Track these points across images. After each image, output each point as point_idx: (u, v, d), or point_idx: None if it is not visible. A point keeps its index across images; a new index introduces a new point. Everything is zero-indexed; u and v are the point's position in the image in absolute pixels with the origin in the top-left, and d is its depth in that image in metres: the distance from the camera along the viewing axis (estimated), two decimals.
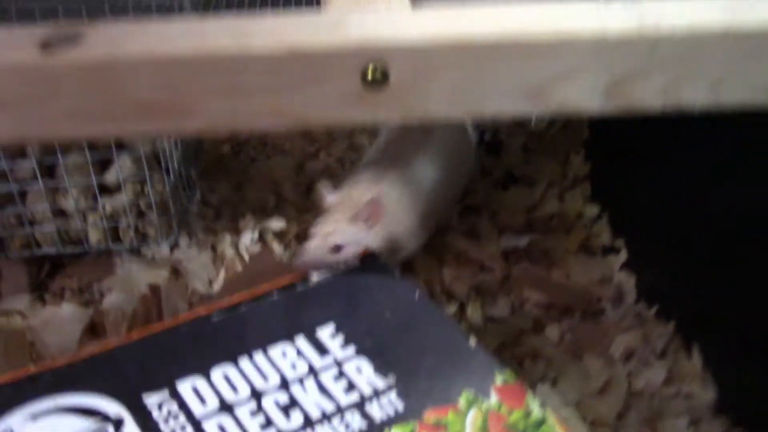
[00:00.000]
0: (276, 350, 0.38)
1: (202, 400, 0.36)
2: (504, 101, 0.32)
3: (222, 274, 0.55)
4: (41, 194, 0.49)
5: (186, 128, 0.32)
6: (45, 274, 0.54)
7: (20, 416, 0.35)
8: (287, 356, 0.38)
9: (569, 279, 0.57)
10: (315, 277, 0.43)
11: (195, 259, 0.55)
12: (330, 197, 0.49)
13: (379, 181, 0.52)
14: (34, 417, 0.36)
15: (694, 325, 0.52)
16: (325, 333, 0.39)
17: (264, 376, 0.37)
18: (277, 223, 0.60)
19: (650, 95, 0.32)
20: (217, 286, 0.54)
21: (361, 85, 0.31)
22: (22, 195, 0.50)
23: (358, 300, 0.42)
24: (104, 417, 0.36)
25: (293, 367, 0.37)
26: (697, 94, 0.32)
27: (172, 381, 0.37)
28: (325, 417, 0.36)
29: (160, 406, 0.36)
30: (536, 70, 0.31)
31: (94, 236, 0.51)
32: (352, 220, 0.47)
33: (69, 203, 0.49)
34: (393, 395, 0.37)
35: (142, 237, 0.53)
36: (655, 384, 0.50)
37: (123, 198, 0.50)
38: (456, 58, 0.31)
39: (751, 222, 0.46)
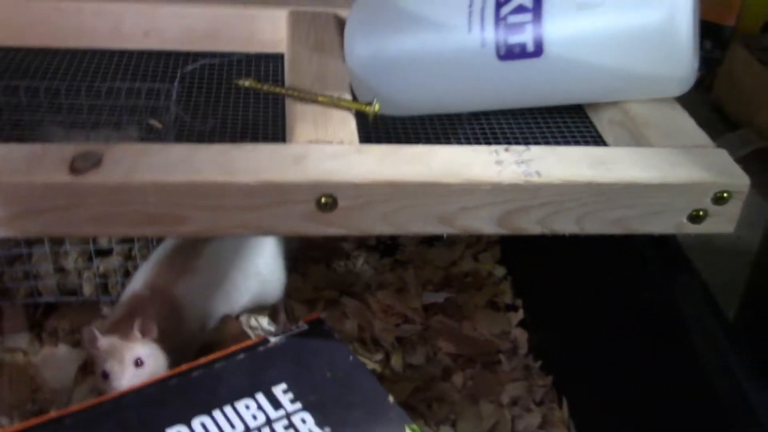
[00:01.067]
0: (241, 404, 0.48)
1: None
2: (423, 224, 0.42)
3: None
4: (47, 255, 0.58)
5: (179, 232, 0.41)
6: (40, 315, 0.63)
7: None
8: (249, 409, 0.47)
9: (476, 331, 0.68)
10: (272, 339, 0.52)
11: None
12: (102, 340, 0.51)
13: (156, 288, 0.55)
14: None
15: (566, 379, 0.63)
16: (279, 390, 0.49)
17: (232, 425, 0.47)
18: None
19: (531, 225, 0.43)
20: None
21: (315, 208, 0.41)
22: (29, 255, 0.59)
23: (305, 360, 0.51)
24: None
25: (254, 418, 0.47)
26: (566, 226, 0.43)
27: (162, 428, 0.46)
28: None
29: None
30: (448, 205, 0.42)
31: (88, 289, 0.61)
32: (133, 339, 0.51)
33: (69, 263, 0.59)
34: None
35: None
36: (532, 427, 0.61)
37: (114, 260, 0.59)
38: (389, 193, 0.41)
39: (609, 304, 0.58)
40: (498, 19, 0.47)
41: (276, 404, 0.48)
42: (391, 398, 0.49)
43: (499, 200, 0.42)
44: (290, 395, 0.49)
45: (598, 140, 0.50)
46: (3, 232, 0.40)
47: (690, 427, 0.46)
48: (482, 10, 0.47)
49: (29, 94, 0.52)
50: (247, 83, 0.48)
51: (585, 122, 0.52)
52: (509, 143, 0.49)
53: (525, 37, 0.46)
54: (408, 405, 0.60)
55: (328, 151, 0.42)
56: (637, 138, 0.47)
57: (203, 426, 0.46)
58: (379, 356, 0.65)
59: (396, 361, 0.65)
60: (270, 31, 0.58)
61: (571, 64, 0.46)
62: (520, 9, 0.46)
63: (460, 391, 0.63)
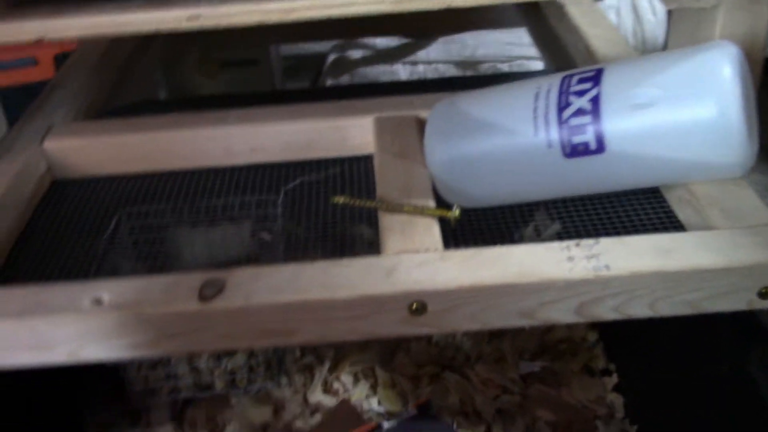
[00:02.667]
0: None
1: None
2: (506, 320, 0.47)
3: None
4: (182, 358, 0.67)
5: (293, 342, 0.48)
6: (180, 409, 0.73)
7: None
8: None
9: (573, 397, 0.71)
10: (386, 425, 0.58)
11: (292, 400, 0.73)
12: None
13: None
14: None
15: None
16: None
17: None
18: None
19: (607, 312, 0.47)
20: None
21: (408, 314, 0.46)
22: (168, 359, 0.68)
23: None
24: None
25: None
26: (640, 311, 0.47)
27: None
28: None
29: None
30: (526, 302, 0.46)
31: (219, 384, 0.69)
32: None
33: (201, 363, 0.67)
34: None
35: (252, 383, 0.70)
36: None
37: (239, 359, 0.68)
38: (472, 296, 0.46)
39: (695, 369, 0.60)
40: (561, 122, 0.51)
41: None
42: None
43: (573, 294, 0.46)
44: None
45: (672, 217, 0.54)
46: (147, 352, 0.47)
47: None
48: (546, 114, 0.52)
49: (158, 216, 0.61)
50: (341, 200, 0.55)
51: (659, 199, 0.56)
52: (585, 228, 0.53)
53: (587, 137, 0.50)
54: None
55: (415, 260, 0.48)
56: (703, 218, 0.50)
57: None
58: (482, 429, 0.69)
59: None
60: (359, 137, 0.65)
61: (632, 158, 0.50)
62: (580, 112, 0.51)
63: None
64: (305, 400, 0.73)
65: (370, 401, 0.72)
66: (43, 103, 0.73)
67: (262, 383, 0.70)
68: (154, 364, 0.68)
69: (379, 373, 0.74)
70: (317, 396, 0.74)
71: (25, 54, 1.17)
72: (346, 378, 0.75)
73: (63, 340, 0.46)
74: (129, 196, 0.63)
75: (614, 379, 0.73)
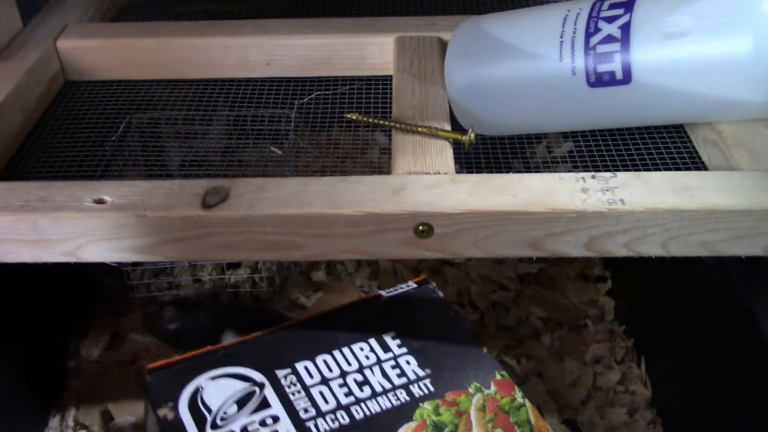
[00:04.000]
0: (356, 346, 0.58)
1: (310, 375, 0.56)
2: (511, 249, 0.46)
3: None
4: (186, 268, 0.66)
5: (294, 257, 0.47)
6: None
7: (204, 378, 0.55)
8: (363, 350, 0.58)
9: (566, 299, 0.72)
10: (385, 294, 0.60)
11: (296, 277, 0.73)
12: None
13: None
14: (213, 378, 0.55)
15: (645, 342, 0.69)
16: (388, 337, 0.58)
17: (348, 363, 0.57)
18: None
19: (616, 248, 0.46)
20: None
21: (413, 234, 0.45)
22: (172, 268, 0.68)
23: (412, 313, 0.61)
24: (254, 382, 0.55)
25: (367, 358, 0.57)
26: (651, 249, 0.46)
27: (293, 362, 0.57)
28: (384, 391, 0.55)
29: (285, 377, 0.55)
30: (535, 231, 0.45)
31: (222, 297, 0.69)
32: None
33: (205, 274, 0.67)
34: (428, 381, 0.55)
35: (256, 299, 0.70)
36: (612, 382, 0.67)
37: (243, 272, 0.67)
38: (479, 222, 0.45)
39: (692, 288, 0.61)
40: (588, 48, 0.49)
41: (385, 348, 0.58)
42: (484, 349, 0.56)
43: (584, 227, 0.45)
44: (398, 341, 0.58)
45: (694, 157, 0.52)
46: (149, 256, 0.47)
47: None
48: (572, 39, 0.50)
49: (169, 124, 0.60)
50: (354, 116, 0.53)
51: (682, 138, 0.54)
52: (603, 162, 0.52)
53: (614, 65, 0.48)
54: (499, 359, 0.67)
55: (425, 182, 0.46)
56: (728, 159, 0.48)
57: (325, 362, 0.57)
58: (476, 316, 0.71)
59: (489, 322, 0.71)
60: (379, 56, 0.63)
61: (660, 91, 0.48)
62: (609, 39, 0.48)
63: (548, 350, 0.69)
64: (309, 278, 0.74)
65: (370, 284, 0.73)
66: (59, 1, 0.71)
67: (264, 299, 0.70)
68: (158, 272, 0.68)
69: (382, 261, 0.75)
70: (320, 276, 0.74)
71: None
72: (349, 263, 0.75)
73: (62, 238, 0.46)
74: (141, 101, 0.62)
75: (608, 284, 0.74)
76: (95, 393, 0.67)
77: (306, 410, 0.54)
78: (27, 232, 0.46)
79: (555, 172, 0.51)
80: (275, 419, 0.53)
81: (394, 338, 0.58)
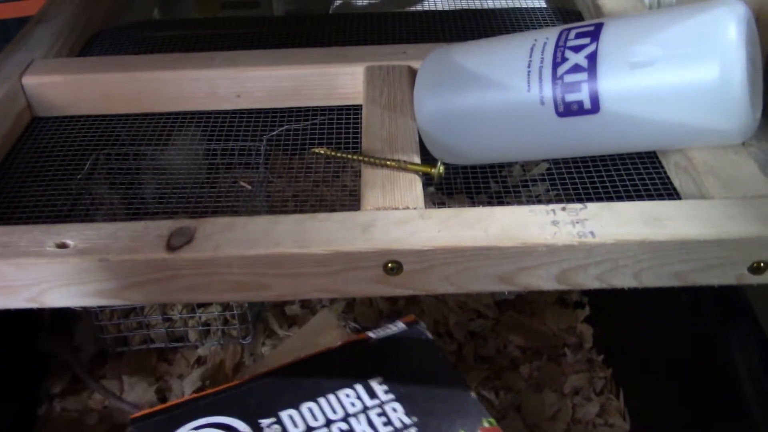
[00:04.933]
0: (342, 393, 0.56)
1: (295, 424, 0.54)
2: (483, 284, 0.45)
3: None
4: (156, 307, 0.65)
5: (264, 297, 0.46)
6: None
7: (187, 428, 0.53)
8: (349, 397, 0.56)
9: (544, 326, 0.72)
10: (373, 336, 0.58)
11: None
12: None
13: None
14: (196, 429, 0.53)
15: (623, 373, 0.68)
16: (375, 382, 0.56)
17: (333, 410, 0.55)
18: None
19: (588, 281, 0.45)
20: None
21: (383, 272, 0.45)
22: (142, 308, 0.67)
23: (400, 356, 0.59)
24: None
25: (353, 405, 0.55)
26: (623, 281, 0.45)
27: (277, 411, 0.55)
28: None
29: (269, 426, 0.53)
30: (506, 266, 0.44)
31: (193, 336, 0.68)
32: None
33: (175, 314, 0.66)
34: (414, 430, 0.53)
35: (229, 337, 0.69)
36: (591, 415, 0.66)
37: (214, 310, 0.66)
38: (450, 258, 0.44)
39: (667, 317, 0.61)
40: (555, 78, 0.49)
41: (372, 394, 0.56)
42: (473, 394, 0.55)
43: (555, 260, 0.44)
44: (385, 387, 0.56)
45: (667, 184, 0.51)
46: (113, 301, 0.46)
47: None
48: (540, 69, 0.49)
49: (138, 159, 0.59)
50: (322, 151, 0.52)
51: (655, 164, 0.53)
52: (575, 191, 0.51)
53: (582, 95, 0.48)
54: (477, 392, 0.66)
55: (394, 218, 0.46)
56: (699, 186, 0.48)
57: (310, 410, 0.55)
58: (453, 347, 0.70)
59: (467, 353, 0.70)
60: (350, 86, 0.62)
61: (628, 120, 0.48)
62: (576, 68, 0.48)
63: (527, 380, 0.69)
64: (283, 312, 0.73)
65: (345, 317, 0.72)
66: (25, 36, 0.70)
67: (236, 336, 0.69)
68: (127, 312, 0.66)
69: None
70: (294, 309, 0.73)
71: None
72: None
73: (25, 284, 0.45)
74: (110, 136, 0.61)
75: (586, 311, 0.74)
76: None
77: None
78: None
79: (529, 196, 0.50)
80: None
81: (381, 383, 0.57)
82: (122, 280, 0.45)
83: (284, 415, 0.54)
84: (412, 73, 0.61)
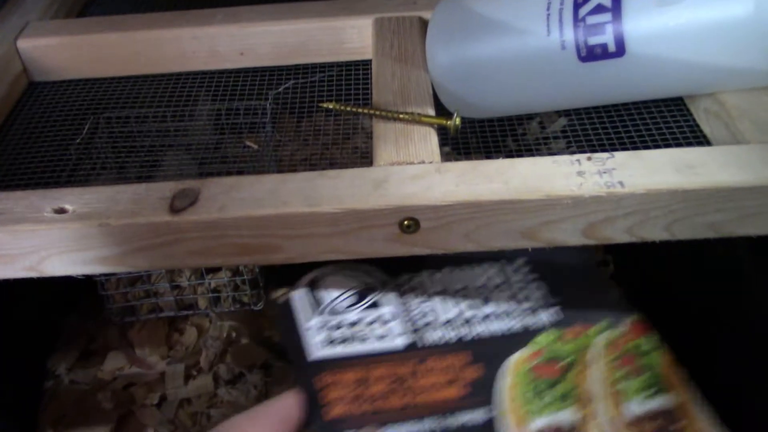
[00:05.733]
0: (486, 264, 0.53)
1: (432, 283, 0.51)
2: (504, 240, 0.43)
3: None
4: (163, 275, 0.63)
5: (273, 260, 0.44)
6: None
7: (324, 269, 0.51)
8: (492, 269, 0.53)
9: None
10: None
11: None
12: None
13: None
14: (333, 271, 0.51)
15: None
16: (520, 261, 0.54)
17: (474, 279, 0.52)
18: None
19: (618, 234, 0.42)
20: None
21: (399, 231, 0.42)
22: (149, 275, 0.64)
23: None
24: (374, 280, 0.51)
25: (494, 278, 0.52)
26: (655, 233, 0.42)
27: (418, 268, 0.52)
28: (506, 314, 0.50)
29: (407, 281, 0.51)
30: (529, 220, 0.42)
31: (203, 303, 0.66)
32: None
33: (183, 281, 0.63)
34: (554, 311, 0.51)
35: (240, 303, 0.66)
36: None
37: (223, 276, 0.64)
38: (469, 213, 0.41)
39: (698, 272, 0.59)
40: (577, 20, 0.46)
41: (516, 271, 0.53)
42: (617, 290, 0.53)
43: (581, 213, 0.41)
44: (529, 267, 0.54)
45: (696, 131, 0.48)
46: (116, 268, 0.44)
47: None
48: (560, 12, 0.46)
49: (139, 122, 0.56)
50: (330, 105, 0.50)
51: (682, 111, 0.50)
52: (599, 141, 0.49)
53: (606, 37, 0.45)
54: None
55: (408, 173, 0.43)
56: (732, 132, 0.45)
57: (451, 273, 0.52)
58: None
59: None
60: (357, 40, 0.60)
61: (656, 62, 0.45)
62: (599, 9, 0.45)
63: None
64: None
65: None
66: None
67: (248, 303, 0.67)
68: (133, 280, 0.64)
69: None
70: None
71: None
72: None
73: (23, 252, 0.43)
74: (110, 99, 0.59)
75: (611, 269, 0.72)
76: (73, 418, 0.64)
77: (421, 317, 0.50)
78: None
79: (549, 152, 0.47)
80: (388, 320, 0.49)
81: (526, 263, 0.54)
82: (124, 246, 0.42)
83: (424, 273, 0.52)
84: (423, 23, 0.58)
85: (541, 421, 0.47)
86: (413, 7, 0.60)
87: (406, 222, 0.42)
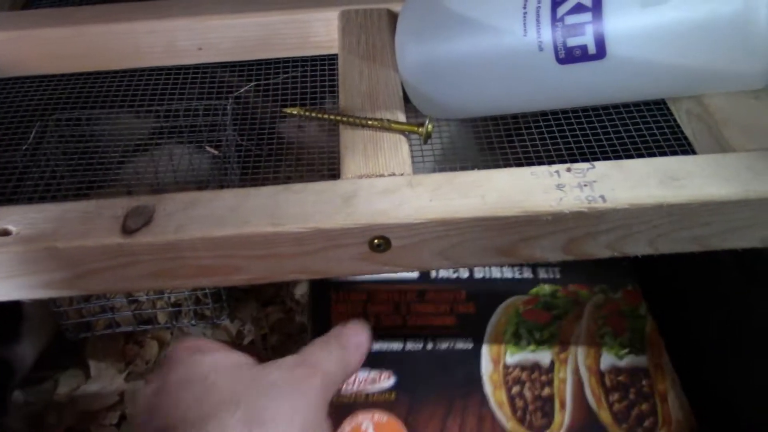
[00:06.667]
0: None
1: None
2: (480, 257, 0.40)
3: None
4: None
5: (234, 282, 0.41)
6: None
7: None
8: None
9: None
10: None
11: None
12: None
13: None
14: None
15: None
16: None
17: None
18: None
19: (599, 249, 0.40)
20: None
21: (369, 249, 0.40)
22: None
23: None
24: None
25: None
26: (637, 248, 0.40)
27: None
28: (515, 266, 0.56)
29: None
30: (507, 237, 0.39)
31: (162, 318, 0.63)
32: None
33: (141, 295, 0.60)
34: (557, 269, 0.56)
35: (201, 317, 0.63)
36: None
37: (184, 290, 0.61)
38: (444, 230, 0.39)
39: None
40: (555, 20, 0.43)
41: None
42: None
43: (561, 228, 0.39)
44: None
45: (677, 134, 0.46)
46: (67, 291, 0.41)
47: None
48: (537, 10, 0.44)
49: (91, 123, 0.53)
50: (294, 111, 0.47)
51: (663, 112, 0.48)
52: (578, 147, 0.46)
53: (585, 38, 0.42)
54: None
55: (378, 187, 0.40)
56: (716, 137, 0.43)
57: None
58: None
59: None
60: (323, 33, 0.56)
61: (638, 65, 0.42)
62: (579, 8, 0.42)
63: None
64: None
65: None
66: None
67: (210, 317, 0.64)
68: (88, 296, 0.61)
69: None
70: None
71: None
72: None
73: None
74: (59, 99, 0.55)
75: None
76: None
77: None
78: None
79: (526, 157, 0.45)
80: None
81: None
82: (74, 269, 0.39)
83: None
84: (392, 16, 0.55)
85: (516, 357, 0.53)
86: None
87: (376, 241, 0.39)
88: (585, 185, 0.39)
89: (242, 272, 0.40)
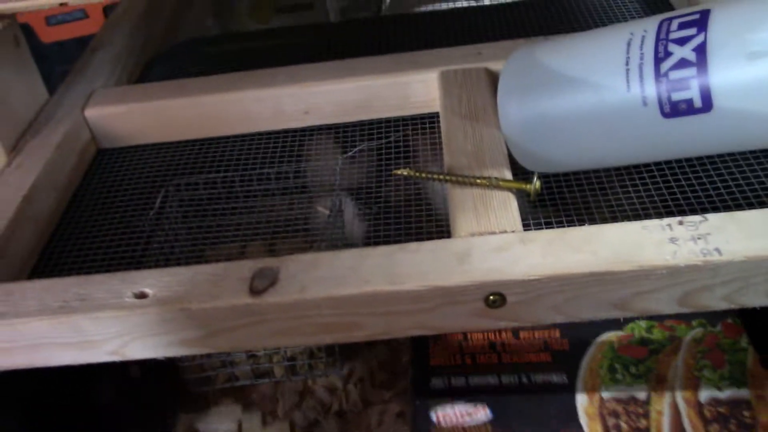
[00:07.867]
0: None
1: None
2: (595, 311, 0.41)
3: None
4: None
5: (354, 338, 0.43)
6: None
7: None
8: None
9: None
10: None
11: None
12: None
13: None
14: None
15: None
16: None
17: None
18: None
19: (715, 302, 0.40)
20: None
21: (484, 305, 0.41)
22: None
23: None
24: None
25: None
26: (755, 300, 0.40)
27: None
28: None
29: None
30: (621, 291, 0.40)
31: (278, 372, 0.65)
32: None
33: (260, 350, 0.63)
34: None
35: (316, 369, 0.66)
36: None
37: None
38: (558, 286, 0.40)
39: None
40: (659, 75, 0.44)
41: None
42: None
43: (676, 282, 0.40)
44: None
45: None
46: (197, 350, 0.43)
47: None
48: (640, 66, 0.44)
49: (208, 187, 0.56)
50: (405, 172, 0.49)
51: None
52: (686, 200, 0.47)
53: (691, 92, 0.43)
54: None
55: (491, 244, 0.42)
56: None
57: None
58: None
59: None
60: (423, 93, 0.59)
61: (745, 115, 0.42)
62: (683, 63, 0.43)
63: None
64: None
65: None
66: (84, 66, 0.68)
67: (323, 370, 0.66)
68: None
69: None
70: None
71: (73, 8, 1.13)
72: None
73: (106, 338, 0.43)
74: (177, 164, 0.59)
75: None
76: None
77: None
78: (68, 334, 0.43)
79: (634, 212, 0.46)
80: None
81: None
82: (206, 328, 0.42)
83: None
84: (490, 75, 0.57)
85: (611, 391, 0.54)
86: (479, 58, 0.58)
87: (491, 297, 0.40)
88: (699, 238, 0.40)
89: (362, 329, 0.42)
